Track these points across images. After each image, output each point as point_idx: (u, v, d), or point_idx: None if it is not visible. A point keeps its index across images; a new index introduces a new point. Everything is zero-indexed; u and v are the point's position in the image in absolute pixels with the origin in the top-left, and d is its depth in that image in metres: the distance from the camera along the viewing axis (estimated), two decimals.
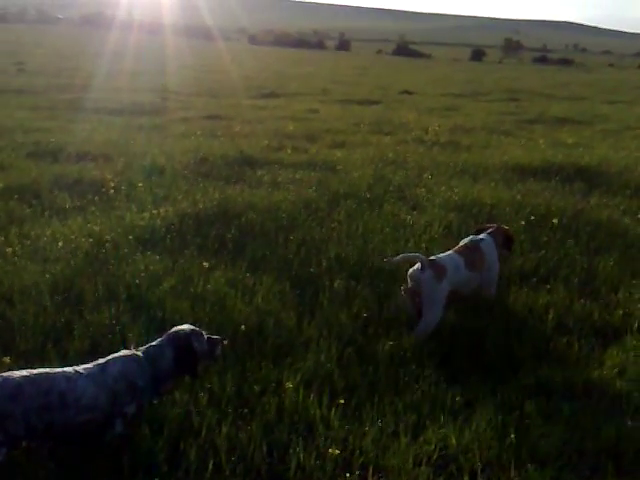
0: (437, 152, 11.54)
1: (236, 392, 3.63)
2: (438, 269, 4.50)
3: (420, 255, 4.61)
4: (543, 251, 6.03)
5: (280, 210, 6.82)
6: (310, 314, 4.69)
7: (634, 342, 4.46)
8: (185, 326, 3.41)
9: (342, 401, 3.60)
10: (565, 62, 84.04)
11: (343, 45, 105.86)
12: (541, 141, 12.48)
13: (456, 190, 8.17)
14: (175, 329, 3.39)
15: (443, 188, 8.22)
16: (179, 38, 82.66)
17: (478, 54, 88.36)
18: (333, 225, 6.46)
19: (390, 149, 11.56)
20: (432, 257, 4.67)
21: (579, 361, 4.30)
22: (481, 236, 5.10)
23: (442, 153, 11.47)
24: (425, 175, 8.97)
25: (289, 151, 10.82)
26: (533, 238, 6.39)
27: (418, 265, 4.50)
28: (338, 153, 10.69)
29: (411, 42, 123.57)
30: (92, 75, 27.95)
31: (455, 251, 4.88)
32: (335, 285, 5.10)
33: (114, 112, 15.93)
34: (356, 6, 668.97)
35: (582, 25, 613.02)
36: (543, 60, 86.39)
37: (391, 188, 8.23)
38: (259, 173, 8.78)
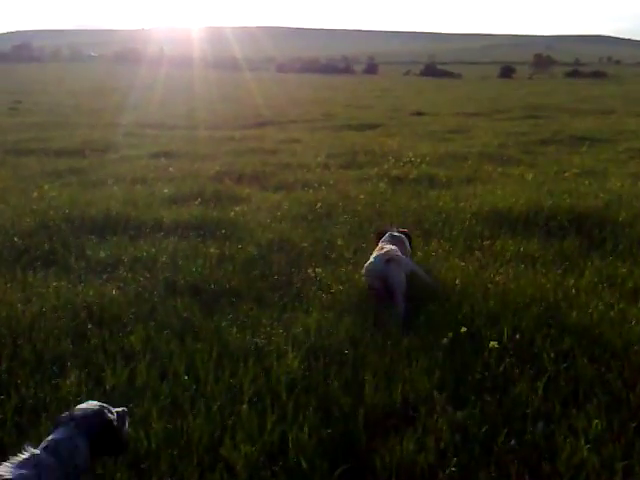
0: (399, 192, 8.82)
1: None
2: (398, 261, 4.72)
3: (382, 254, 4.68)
4: (463, 411, 3.23)
5: (44, 327, 4.14)
6: None
7: None
8: (90, 403, 2.55)
9: None
10: (598, 75, 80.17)
11: (371, 69, 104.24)
12: (530, 175, 9.48)
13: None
14: (80, 409, 2.49)
15: (350, 267, 5.44)
16: (207, 70, 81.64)
17: (507, 71, 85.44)
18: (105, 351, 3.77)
19: (336, 192, 8.88)
20: (385, 250, 4.85)
21: None
22: (395, 233, 5.34)
23: (404, 194, 8.75)
24: (340, 243, 6.13)
25: (196, 203, 8.13)
26: (457, 373, 3.59)
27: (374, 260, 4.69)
28: (236, 208, 7.77)
29: (440, 62, 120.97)
30: (82, 112, 26.07)
31: (390, 243, 5.09)
32: None
33: (56, 153, 13.52)
34: (385, 31, 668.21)
35: (615, 38, 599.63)
36: (575, 74, 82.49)
37: (283, 263, 5.54)
38: (100, 247, 6.02)
